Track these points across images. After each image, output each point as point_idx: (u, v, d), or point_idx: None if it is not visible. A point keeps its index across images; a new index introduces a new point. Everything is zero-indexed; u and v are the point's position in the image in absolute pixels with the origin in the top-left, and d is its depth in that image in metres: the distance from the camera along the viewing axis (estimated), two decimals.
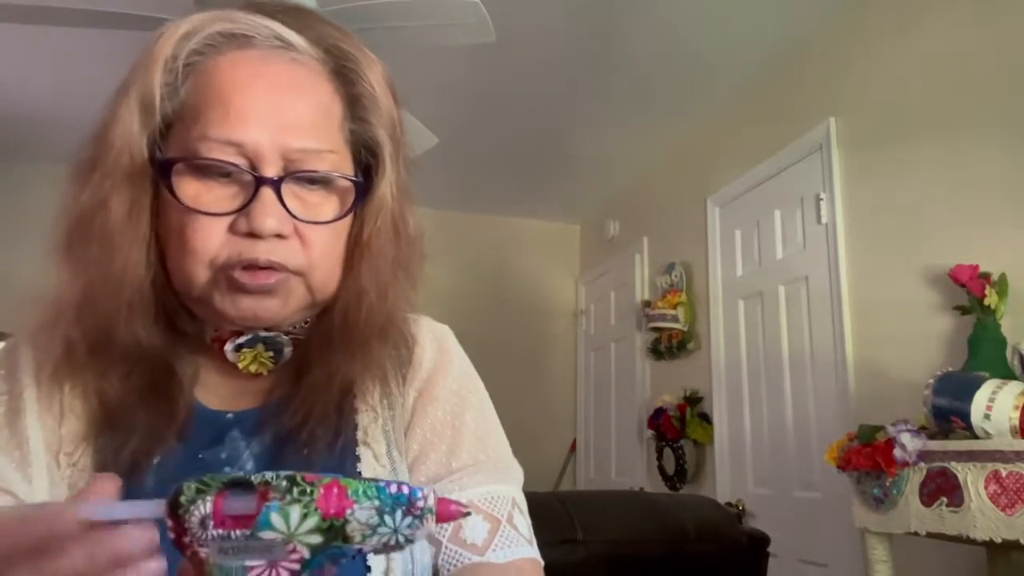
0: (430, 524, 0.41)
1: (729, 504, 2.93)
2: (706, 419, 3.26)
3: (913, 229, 2.29)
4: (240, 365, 0.65)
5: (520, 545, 0.66)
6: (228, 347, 0.65)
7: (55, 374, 0.63)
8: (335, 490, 0.39)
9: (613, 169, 4.09)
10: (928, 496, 1.65)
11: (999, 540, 1.50)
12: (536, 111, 3.49)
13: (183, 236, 0.59)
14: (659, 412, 3.46)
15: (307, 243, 0.61)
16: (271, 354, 0.66)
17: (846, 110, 2.63)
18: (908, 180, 2.33)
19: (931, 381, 1.74)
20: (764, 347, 2.97)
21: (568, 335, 4.81)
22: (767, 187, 3.03)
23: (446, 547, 0.65)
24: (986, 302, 1.87)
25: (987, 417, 1.58)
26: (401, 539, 0.41)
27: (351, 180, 0.64)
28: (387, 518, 0.40)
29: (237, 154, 0.58)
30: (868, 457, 1.79)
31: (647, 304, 3.74)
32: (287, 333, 0.66)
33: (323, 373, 0.65)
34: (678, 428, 3.34)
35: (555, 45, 2.93)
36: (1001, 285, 1.89)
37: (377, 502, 0.39)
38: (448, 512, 0.42)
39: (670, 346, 3.54)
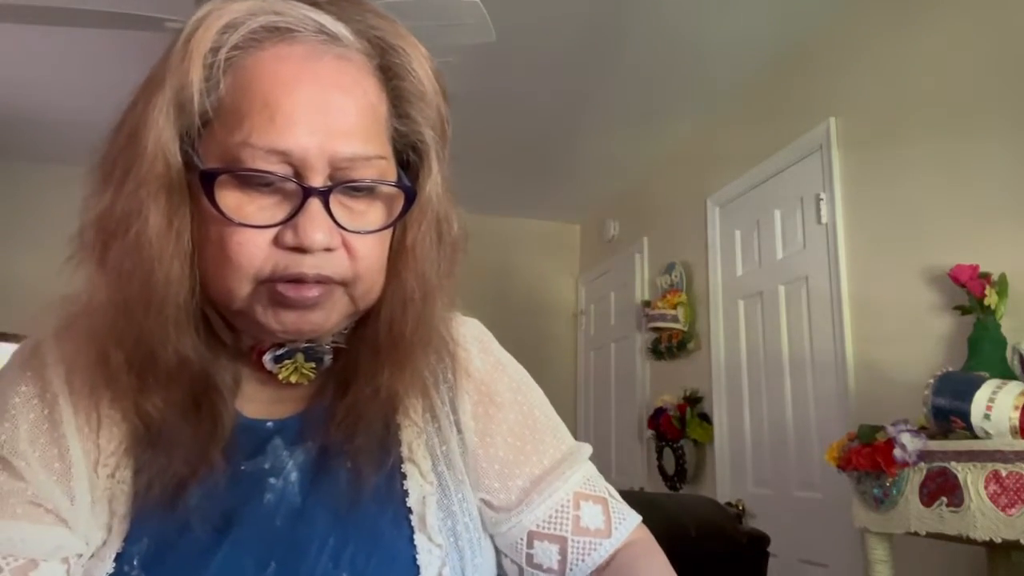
0: None
1: (729, 504, 2.93)
2: (706, 419, 3.26)
3: (913, 229, 2.29)
4: (280, 376, 0.63)
5: (628, 514, 0.72)
6: (267, 358, 0.62)
7: (92, 385, 0.59)
8: None
9: (613, 169, 4.09)
10: (928, 496, 1.65)
11: (999, 540, 1.50)
12: (536, 111, 3.49)
13: (225, 249, 0.55)
14: (659, 412, 3.46)
15: (353, 253, 0.58)
16: (312, 364, 0.63)
17: (846, 110, 2.63)
18: (908, 180, 2.33)
19: (931, 381, 1.74)
20: (764, 347, 2.97)
21: (568, 335, 4.81)
22: (767, 187, 3.03)
23: (572, 539, 0.67)
24: (986, 302, 1.87)
25: (987, 417, 1.58)
26: None
27: (401, 187, 0.60)
28: None
29: (282, 162, 0.54)
30: (868, 457, 1.79)
31: (647, 304, 3.74)
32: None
33: (369, 387, 0.62)
34: (678, 428, 3.34)
35: (555, 45, 2.93)
36: (1001, 285, 1.89)
37: None
38: None
39: (670, 346, 3.54)
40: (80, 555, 0.58)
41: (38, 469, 0.58)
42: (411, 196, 0.60)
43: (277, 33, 0.56)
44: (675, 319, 3.48)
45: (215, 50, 0.55)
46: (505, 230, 4.84)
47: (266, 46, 0.56)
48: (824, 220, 2.67)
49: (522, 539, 0.68)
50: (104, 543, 0.58)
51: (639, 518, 0.72)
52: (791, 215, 2.88)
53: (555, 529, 0.68)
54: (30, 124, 3.60)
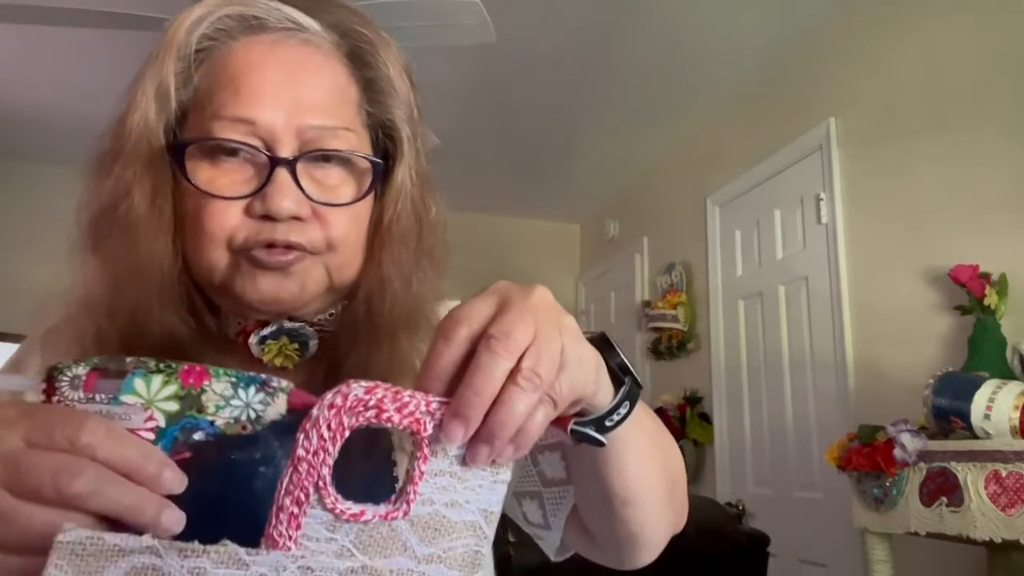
0: (280, 405, 0.47)
1: (729, 504, 2.93)
2: (706, 419, 3.26)
3: (913, 229, 2.29)
4: (265, 358, 0.64)
5: None
6: (252, 339, 0.63)
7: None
8: (198, 368, 0.45)
9: (613, 169, 4.09)
10: (928, 496, 1.65)
11: (999, 540, 1.50)
12: (536, 111, 3.49)
13: (199, 220, 0.58)
14: (659, 412, 3.46)
15: (326, 224, 0.60)
16: (296, 346, 0.65)
17: (846, 110, 2.63)
18: (908, 180, 2.33)
19: (931, 381, 1.74)
20: (764, 347, 2.97)
21: None
22: (767, 187, 3.03)
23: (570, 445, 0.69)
24: (986, 302, 1.87)
25: (987, 417, 1.58)
26: (252, 414, 0.47)
27: (369, 160, 0.62)
28: (241, 391, 0.46)
29: (250, 134, 0.58)
30: (868, 457, 1.79)
31: (647, 304, 3.74)
32: (312, 324, 0.65)
33: (356, 371, 0.62)
34: (678, 428, 3.34)
35: (555, 45, 2.93)
36: (1001, 285, 1.89)
37: (234, 378, 0.45)
38: (302, 401, 0.47)
39: (670, 346, 3.54)
40: None
41: None
42: (379, 170, 0.63)
43: (247, 25, 0.60)
44: (675, 319, 3.49)
45: (188, 43, 0.59)
46: (505, 230, 4.84)
47: (237, 37, 0.60)
48: (824, 220, 2.67)
49: (527, 457, 0.68)
50: None
51: None
52: (791, 215, 2.88)
53: (551, 437, 0.69)
54: (30, 124, 3.60)
